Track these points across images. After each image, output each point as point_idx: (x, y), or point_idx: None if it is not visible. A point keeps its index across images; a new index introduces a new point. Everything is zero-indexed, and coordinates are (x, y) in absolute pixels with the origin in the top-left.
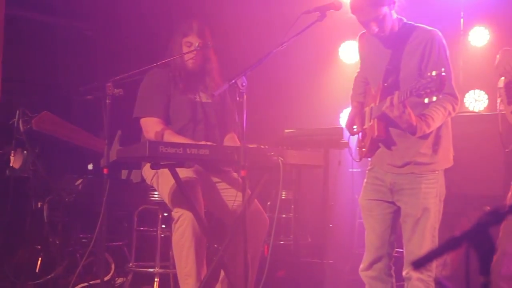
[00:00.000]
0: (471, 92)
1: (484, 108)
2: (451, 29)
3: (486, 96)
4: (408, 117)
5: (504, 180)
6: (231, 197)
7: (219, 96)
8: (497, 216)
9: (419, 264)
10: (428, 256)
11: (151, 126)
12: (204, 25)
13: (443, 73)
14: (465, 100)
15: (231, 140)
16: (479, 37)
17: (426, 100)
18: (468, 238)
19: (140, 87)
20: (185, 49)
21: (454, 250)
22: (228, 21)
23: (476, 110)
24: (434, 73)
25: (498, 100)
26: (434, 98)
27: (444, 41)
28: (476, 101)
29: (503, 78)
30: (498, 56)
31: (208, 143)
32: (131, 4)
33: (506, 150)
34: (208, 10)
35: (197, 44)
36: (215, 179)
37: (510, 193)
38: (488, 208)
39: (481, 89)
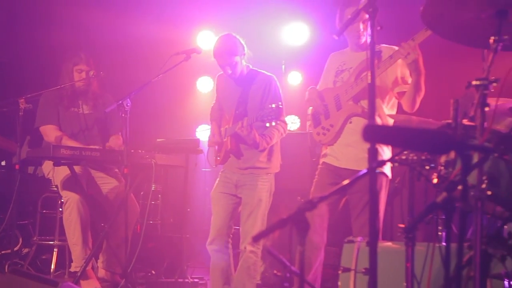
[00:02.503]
0: (289, 116)
1: (297, 128)
2: (275, 72)
3: (298, 120)
4: (253, 136)
5: (310, 180)
6: (114, 188)
7: (101, 109)
8: (311, 204)
9: (257, 238)
10: (264, 233)
11: (49, 132)
12: (89, 56)
13: (280, 106)
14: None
15: (114, 141)
16: (295, 78)
17: (267, 124)
18: (292, 219)
19: (38, 105)
20: (76, 74)
21: (281, 228)
22: (117, 55)
23: (292, 129)
24: (273, 105)
25: (308, 123)
26: (273, 123)
27: (278, 83)
28: (292, 123)
29: (311, 107)
30: (307, 92)
31: (96, 147)
32: (35, 36)
33: (313, 159)
34: (103, 45)
35: (91, 72)
36: (100, 174)
37: (312, 188)
38: (300, 198)
39: (295, 114)
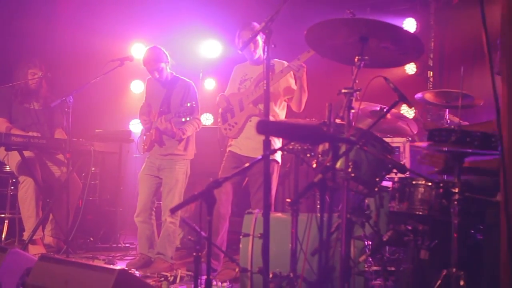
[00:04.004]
0: (204, 114)
1: (211, 123)
2: (194, 78)
3: (212, 117)
4: (171, 128)
5: (219, 164)
6: (58, 170)
7: (49, 106)
8: (217, 183)
9: (174, 210)
10: (180, 205)
11: (0, 124)
12: (42, 61)
13: (194, 105)
14: (202, 118)
15: (59, 134)
16: (210, 84)
17: (183, 119)
18: (201, 195)
19: None
20: (30, 76)
21: (194, 202)
22: (62, 60)
23: (207, 124)
24: (189, 104)
25: (219, 120)
26: (188, 119)
27: (195, 88)
28: (207, 119)
29: (220, 109)
30: (217, 97)
31: (39, 135)
32: None
33: (221, 149)
34: (50, 51)
35: (40, 74)
36: (48, 159)
37: (220, 171)
38: (211, 179)
39: (209, 112)
